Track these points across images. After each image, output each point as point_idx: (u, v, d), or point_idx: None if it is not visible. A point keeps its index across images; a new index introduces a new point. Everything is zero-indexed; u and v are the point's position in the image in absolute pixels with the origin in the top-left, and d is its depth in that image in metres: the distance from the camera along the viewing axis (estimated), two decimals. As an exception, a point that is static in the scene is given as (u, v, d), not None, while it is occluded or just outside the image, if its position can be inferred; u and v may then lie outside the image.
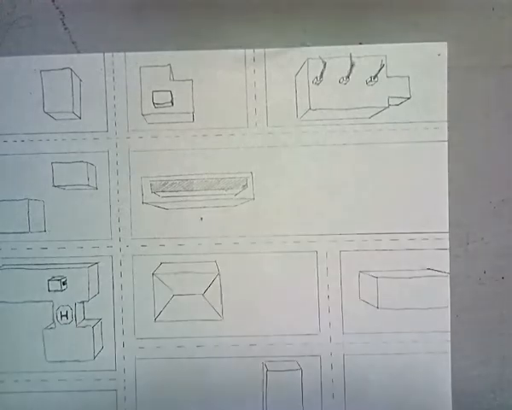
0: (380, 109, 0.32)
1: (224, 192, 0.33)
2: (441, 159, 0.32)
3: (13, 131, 0.33)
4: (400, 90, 0.32)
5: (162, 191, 0.33)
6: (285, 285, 0.32)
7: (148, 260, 0.33)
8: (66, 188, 0.33)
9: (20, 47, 0.32)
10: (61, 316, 0.33)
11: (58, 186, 0.33)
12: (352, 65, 0.32)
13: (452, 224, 0.32)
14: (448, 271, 0.32)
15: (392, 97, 0.32)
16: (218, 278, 0.33)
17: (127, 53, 0.32)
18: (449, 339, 0.32)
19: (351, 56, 0.32)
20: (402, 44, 0.32)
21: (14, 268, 0.33)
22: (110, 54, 0.32)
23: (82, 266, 0.33)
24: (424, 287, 0.32)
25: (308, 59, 0.32)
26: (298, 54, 0.32)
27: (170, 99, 0.32)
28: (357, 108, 0.32)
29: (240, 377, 0.33)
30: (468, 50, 0.32)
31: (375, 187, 0.32)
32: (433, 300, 0.32)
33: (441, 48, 0.32)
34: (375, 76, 0.32)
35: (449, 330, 0.32)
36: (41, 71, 0.32)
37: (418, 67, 0.32)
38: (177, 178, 0.33)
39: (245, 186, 0.32)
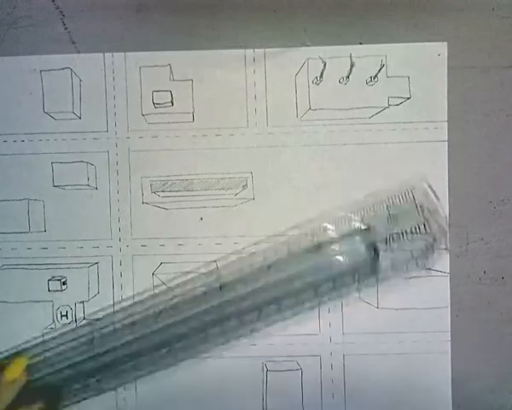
0: (380, 109, 0.32)
1: (224, 192, 0.33)
2: (441, 159, 0.32)
3: (13, 131, 0.33)
4: (400, 90, 0.32)
5: (162, 191, 0.33)
6: (285, 285, 0.32)
7: (148, 260, 0.33)
8: (66, 188, 0.33)
9: (20, 47, 0.32)
10: (61, 316, 0.33)
11: (58, 186, 0.33)
12: (351, 65, 0.32)
13: (452, 224, 0.32)
14: (448, 271, 0.32)
15: (392, 97, 0.32)
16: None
17: (127, 53, 0.32)
18: (449, 339, 0.32)
19: (351, 56, 0.32)
20: (402, 44, 0.32)
21: (14, 268, 0.33)
22: (110, 54, 0.32)
23: (82, 266, 0.33)
24: (424, 287, 0.32)
25: (308, 59, 0.32)
26: (298, 54, 0.32)
27: (170, 99, 0.32)
28: (357, 108, 0.32)
29: (240, 377, 0.33)
30: (468, 50, 0.32)
31: (375, 187, 0.32)
32: (433, 300, 0.32)
33: (441, 48, 0.32)
34: (375, 76, 0.32)
35: (449, 330, 0.32)
36: (41, 71, 0.32)
37: (418, 67, 0.32)
38: (177, 178, 0.33)
39: (245, 186, 0.32)
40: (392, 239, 0.27)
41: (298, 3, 0.32)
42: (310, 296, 0.29)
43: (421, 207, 0.26)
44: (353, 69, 0.32)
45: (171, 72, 0.32)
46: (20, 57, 0.32)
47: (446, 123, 0.32)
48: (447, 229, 0.31)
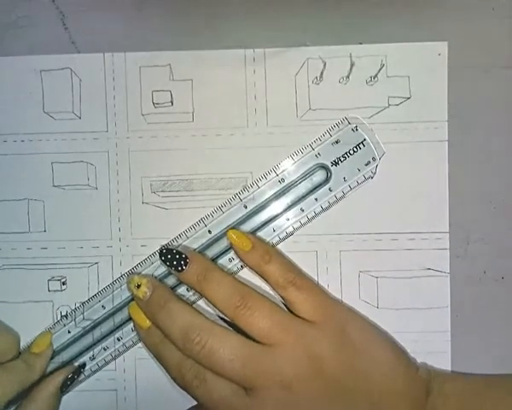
0: (380, 109, 0.32)
1: (224, 192, 0.33)
2: (441, 159, 0.32)
3: (13, 131, 0.33)
4: (400, 90, 0.32)
5: (162, 191, 0.33)
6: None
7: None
8: (66, 188, 0.33)
9: (20, 47, 0.32)
10: (61, 316, 0.33)
11: (58, 186, 0.33)
12: (351, 65, 0.32)
13: (452, 224, 0.32)
14: (448, 271, 0.32)
15: (392, 97, 0.32)
16: (218, 278, 0.32)
17: (127, 53, 0.32)
18: (449, 339, 0.32)
19: (351, 56, 0.32)
20: (402, 44, 0.32)
21: (14, 268, 0.33)
22: (110, 54, 0.32)
23: (82, 266, 0.33)
24: (424, 287, 0.32)
25: (308, 59, 0.32)
26: (298, 54, 0.32)
27: (170, 99, 0.32)
28: (357, 108, 0.32)
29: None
30: (468, 50, 0.32)
31: (375, 187, 0.32)
32: (433, 300, 0.32)
33: (441, 47, 0.32)
34: (375, 76, 0.32)
35: (449, 330, 0.32)
36: (41, 71, 0.32)
37: (418, 66, 0.32)
38: (177, 178, 0.33)
39: (245, 186, 0.32)
40: (340, 160, 0.31)
41: (298, 3, 0.32)
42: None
43: (355, 128, 0.31)
44: (353, 69, 0.32)
45: (171, 72, 0.32)
46: (20, 57, 0.32)
47: (446, 123, 0.32)
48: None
